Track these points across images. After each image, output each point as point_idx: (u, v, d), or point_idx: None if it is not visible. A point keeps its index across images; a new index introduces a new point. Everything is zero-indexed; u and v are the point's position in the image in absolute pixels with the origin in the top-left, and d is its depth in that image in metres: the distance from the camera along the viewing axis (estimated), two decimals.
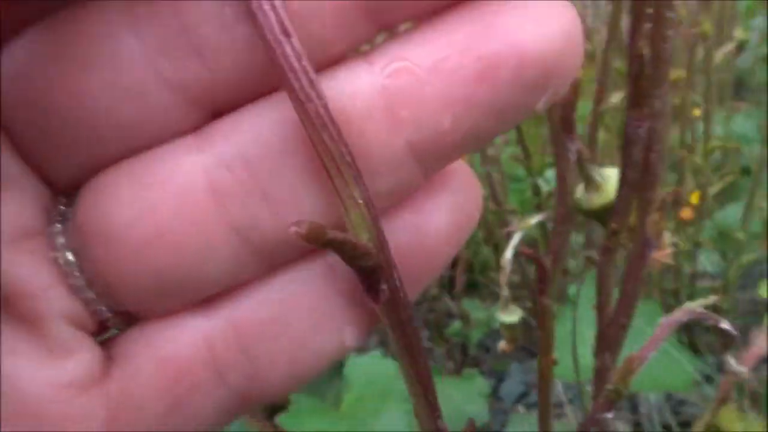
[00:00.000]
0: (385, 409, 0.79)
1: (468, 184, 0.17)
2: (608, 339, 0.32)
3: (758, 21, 1.24)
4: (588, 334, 0.87)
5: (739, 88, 1.31)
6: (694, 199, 0.84)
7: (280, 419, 0.72)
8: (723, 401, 0.40)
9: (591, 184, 0.27)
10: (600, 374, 0.33)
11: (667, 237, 0.28)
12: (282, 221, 0.15)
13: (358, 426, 0.76)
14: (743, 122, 1.14)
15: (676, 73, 0.74)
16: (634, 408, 1.05)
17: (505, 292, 0.57)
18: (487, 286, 1.33)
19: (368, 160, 0.15)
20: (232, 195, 0.15)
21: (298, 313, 0.16)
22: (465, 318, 1.23)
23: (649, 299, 0.91)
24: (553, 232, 0.33)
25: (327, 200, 0.15)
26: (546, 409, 0.43)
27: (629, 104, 0.21)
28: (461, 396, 1.01)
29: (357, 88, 0.15)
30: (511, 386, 1.20)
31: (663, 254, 0.30)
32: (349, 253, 0.15)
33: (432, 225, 0.17)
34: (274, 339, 0.16)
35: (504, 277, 0.57)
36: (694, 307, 0.24)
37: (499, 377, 1.20)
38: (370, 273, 0.15)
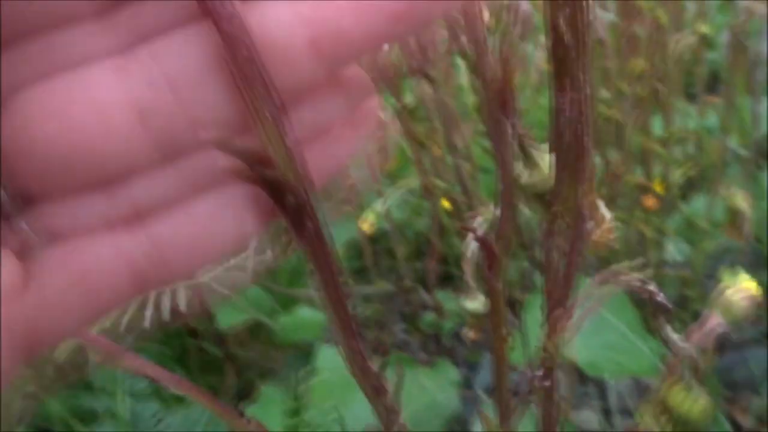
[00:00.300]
0: (355, 399, 0.79)
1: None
2: (554, 322, 0.32)
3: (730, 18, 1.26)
4: None
5: (714, 83, 1.33)
6: (658, 187, 0.86)
7: (248, 410, 0.73)
8: (671, 379, 0.41)
9: (530, 163, 0.28)
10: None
11: (605, 212, 0.29)
12: (197, 132, 0.16)
13: (326, 416, 0.77)
14: (715, 116, 1.16)
15: (638, 63, 0.76)
16: (602, 395, 1.06)
17: (468, 278, 0.57)
18: (461, 278, 1.34)
19: (272, 56, 0.16)
20: (155, 111, 0.16)
21: (212, 225, 0.18)
22: (438, 309, 1.24)
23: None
24: (500, 216, 0.33)
25: (244, 116, 0.16)
26: (503, 391, 0.43)
27: (554, 84, 0.22)
28: (433, 385, 1.02)
29: None
30: (485, 376, 1.21)
31: (606, 230, 0.31)
32: (253, 161, 0.16)
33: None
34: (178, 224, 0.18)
35: (467, 266, 0.57)
36: (622, 269, 0.25)
37: (472, 367, 1.21)
38: (276, 186, 0.16)
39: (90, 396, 0.76)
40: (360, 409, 0.78)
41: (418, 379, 1.05)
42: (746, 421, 0.92)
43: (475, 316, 0.60)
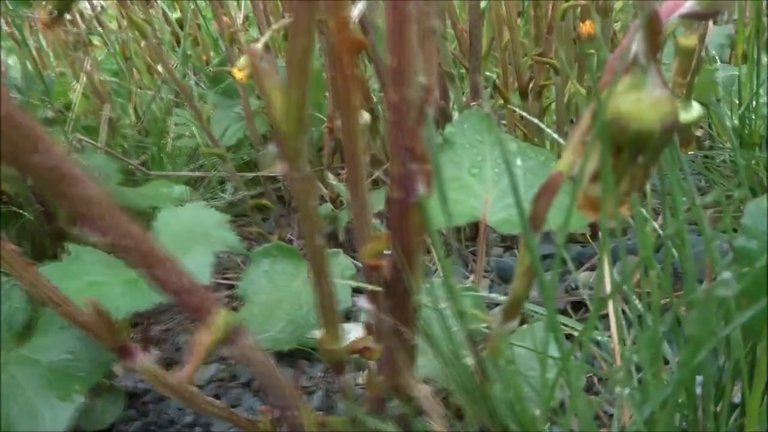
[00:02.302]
0: (191, 251, 0.70)
1: None
2: None
3: None
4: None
5: None
6: None
7: (43, 269, 0.63)
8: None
9: None
10: None
11: None
12: None
13: None
14: None
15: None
16: None
17: None
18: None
19: None
20: None
21: None
22: (334, 199, 1.15)
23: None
24: None
25: None
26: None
27: None
28: None
29: None
30: None
31: None
32: None
33: None
34: None
35: None
36: None
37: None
38: None
39: None
40: (195, 258, 0.69)
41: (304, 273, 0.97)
42: None
43: None
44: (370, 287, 0.41)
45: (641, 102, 0.31)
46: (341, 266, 0.99)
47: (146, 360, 0.49)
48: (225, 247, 0.72)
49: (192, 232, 0.74)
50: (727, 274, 0.27)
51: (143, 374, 0.48)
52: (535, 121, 0.84)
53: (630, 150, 0.32)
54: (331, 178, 1.07)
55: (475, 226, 1.10)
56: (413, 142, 0.29)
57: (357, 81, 0.36)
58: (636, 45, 0.31)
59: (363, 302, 0.35)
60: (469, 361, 0.39)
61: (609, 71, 0.33)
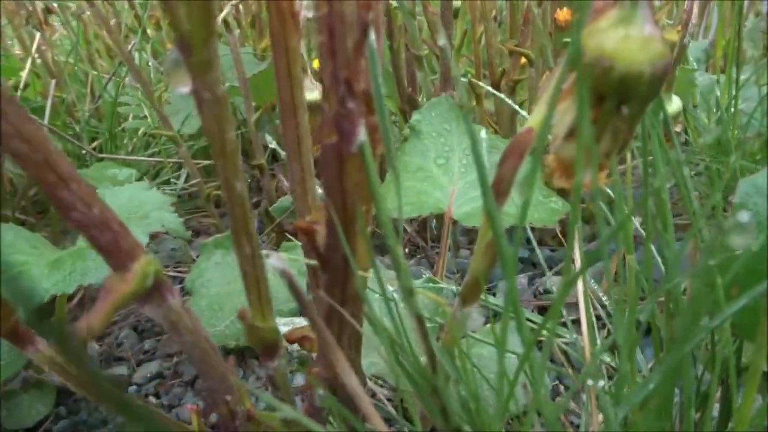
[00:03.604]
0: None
1: None
2: None
3: None
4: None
5: None
6: None
7: None
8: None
9: None
10: None
11: None
12: None
13: (77, 256, 0.60)
14: None
15: None
16: None
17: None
18: None
19: None
20: None
21: None
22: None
23: None
24: None
25: None
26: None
27: None
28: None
29: None
30: None
31: None
32: None
33: None
34: None
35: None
36: None
37: None
38: None
39: None
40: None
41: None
42: None
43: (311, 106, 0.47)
44: (308, 261, 0.35)
45: (629, 39, 0.26)
46: (300, 263, 0.93)
47: (44, 346, 0.42)
48: (163, 228, 0.66)
49: (131, 212, 0.68)
50: (744, 215, 0.22)
51: (42, 363, 0.41)
52: (502, 96, 0.79)
53: (614, 97, 0.27)
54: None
55: (442, 227, 1.05)
56: (352, 73, 0.24)
57: (295, 17, 0.30)
58: None
59: (274, 260, 0.29)
60: (420, 351, 0.34)
61: (594, 9, 0.28)
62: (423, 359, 0.33)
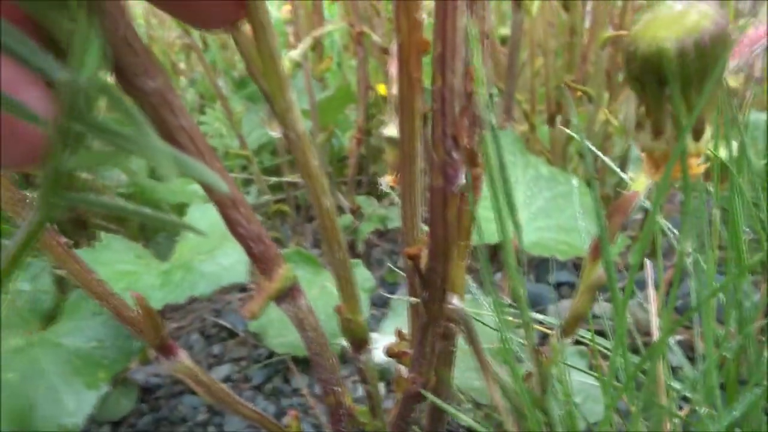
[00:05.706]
0: (223, 247, 0.70)
1: None
2: None
3: None
4: None
5: None
6: None
7: (82, 253, 0.62)
8: None
9: None
10: None
11: None
12: None
13: (185, 268, 0.66)
14: None
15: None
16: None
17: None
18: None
19: None
20: None
21: None
22: (355, 211, 1.15)
23: None
24: None
25: None
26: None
27: None
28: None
29: None
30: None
31: None
32: None
33: None
34: None
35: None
36: None
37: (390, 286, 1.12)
38: None
39: None
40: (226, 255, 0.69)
41: (323, 282, 0.97)
42: None
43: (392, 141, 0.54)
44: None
45: (656, 19, 0.26)
46: (361, 278, 0.99)
47: (185, 358, 0.49)
48: None
49: (221, 229, 0.74)
50: None
51: (181, 372, 0.48)
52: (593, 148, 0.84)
53: (650, 80, 0.27)
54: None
55: (491, 249, 1.10)
56: (458, 130, 0.30)
57: (420, 84, 0.36)
58: None
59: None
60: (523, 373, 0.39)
61: None
62: (531, 381, 0.39)
